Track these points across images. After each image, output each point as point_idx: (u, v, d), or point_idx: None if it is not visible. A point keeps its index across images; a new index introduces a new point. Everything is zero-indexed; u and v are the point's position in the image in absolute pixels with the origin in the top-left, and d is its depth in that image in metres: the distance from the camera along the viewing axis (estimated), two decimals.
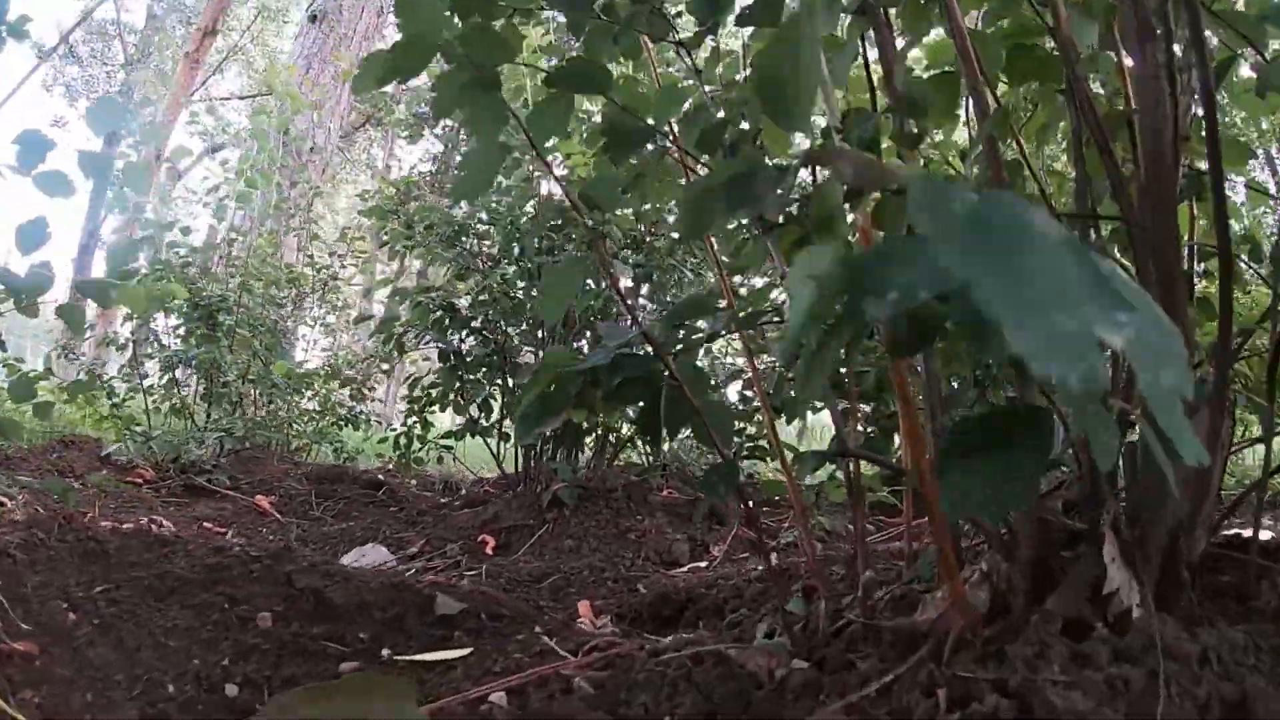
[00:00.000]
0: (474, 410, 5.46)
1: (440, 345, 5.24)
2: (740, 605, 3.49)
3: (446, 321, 5.21)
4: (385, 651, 2.46)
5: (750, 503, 2.15)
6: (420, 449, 6.43)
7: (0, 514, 3.15)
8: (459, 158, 5.72)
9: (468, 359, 5.28)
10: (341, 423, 8.17)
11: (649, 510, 5.18)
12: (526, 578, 4.03)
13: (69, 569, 2.68)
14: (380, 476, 6.86)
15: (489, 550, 4.77)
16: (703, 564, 4.55)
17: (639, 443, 5.80)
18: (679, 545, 4.72)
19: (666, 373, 1.81)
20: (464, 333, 5.30)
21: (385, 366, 6.27)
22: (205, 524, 5.08)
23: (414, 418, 6.22)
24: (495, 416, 5.62)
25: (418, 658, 2.27)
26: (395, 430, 6.34)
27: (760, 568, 4.39)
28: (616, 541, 4.73)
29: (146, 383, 7.14)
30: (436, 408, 6.07)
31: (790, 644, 1.97)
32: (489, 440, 5.67)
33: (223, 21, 25.23)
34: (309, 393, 8.17)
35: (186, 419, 6.99)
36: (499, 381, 5.37)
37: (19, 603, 2.34)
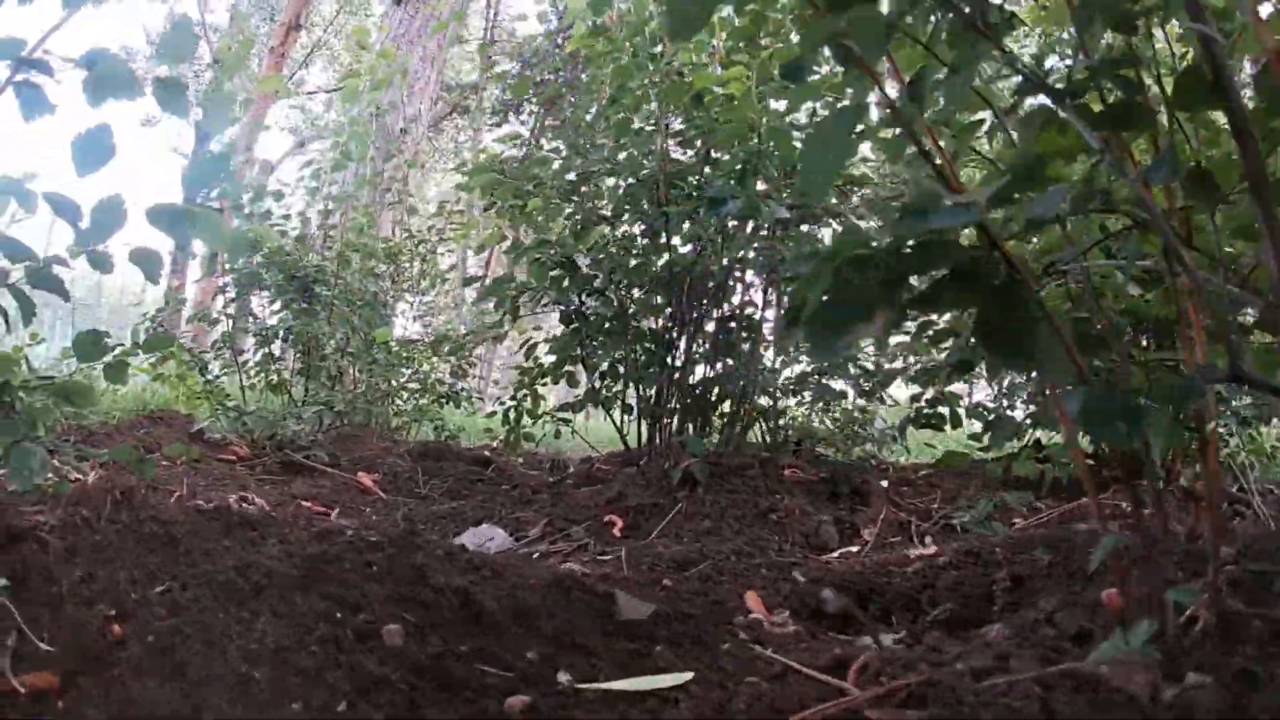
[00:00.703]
0: (595, 380, 4.83)
1: (561, 305, 4.62)
2: (938, 597, 2.89)
3: (566, 280, 4.60)
4: (564, 678, 1.70)
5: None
6: (530, 424, 5.83)
7: (51, 491, 2.43)
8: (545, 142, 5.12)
9: (590, 319, 4.67)
10: (442, 400, 7.62)
11: (785, 489, 4.59)
12: (669, 564, 3.46)
13: (122, 561, 1.96)
14: (486, 454, 6.28)
15: (617, 531, 4.19)
16: (854, 548, 4.03)
17: (763, 419, 5.16)
18: (826, 527, 4.19)
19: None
20: (584, 293, 4.69)
21: (494, 334, 5.68)
22: (303, 502, 4.55)
23: (524, 391, 5.63)
24: (619, 385, 5.00)
25: (614, 687, 1.58)
26: (503, 405, 5.74)
27: (923, 552, 3.82)
28: (757, 523, 4.18)
29: (242, 359, 6.62)
30: (548, 380, 5.49)
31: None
32: (612, 412, 5.04)
33: (306, 16, 25.00)
34: (409, 370, 7.64)
35: (283, 395, 6.45)
36: (622, 347, 4.74)
37: (44, 609, 1.65)
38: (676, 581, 3.17)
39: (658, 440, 4.92)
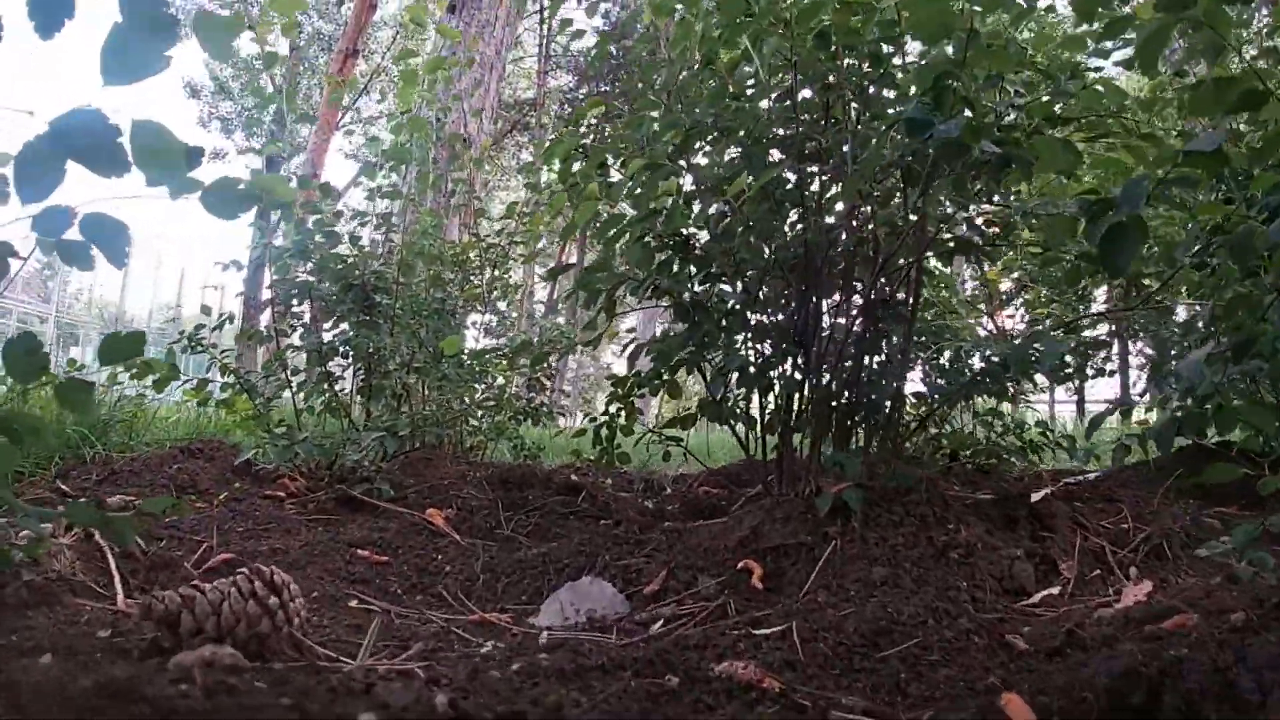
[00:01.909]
0: (718, 386, 3.74)
1: (674, 295, 3.53)
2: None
3: (675, 264, 3.52)
4: None
5: None
6: (618, 445, 4.78)
7: None
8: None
9: (711, 310, 3.58)
10: (519, 416, 6.58)
11: (955, 515, 3.52)
12: (855, 641, 2.47)
13: None
14: (574, 478, 5.24)
15: (757, 582, 3.16)
16: (1054, 589, 3.14)
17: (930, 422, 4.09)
18: (1020, 565, 3.23)
19: None
20: (704, 278, 3.61)
21: (588, 339, 4.58)
22: (360, 550, 3.54)
23: (617, 404, 4.57)
24: (740, 391, 3.93)
25: None
26: (593, 420, 4.69)
27: (1137, 593, 2.93)
28: (937, 565, 3.16)
29: (298, 379, 5.61)
30: (645, 391, 4.45)
31: None
32: (734, 425, 3.96)
33: (363, 43, 24.33)
34: (482, 385, 6.62)
35: (342, 418, 5.43)
36: (750, 344, 3.66)
37: None
38: (875, 669, 2.15)
39: (790, 456, 3.85)
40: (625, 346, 4.14)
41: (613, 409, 4.57)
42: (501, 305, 7.46)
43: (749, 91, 3.67)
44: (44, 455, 4.67)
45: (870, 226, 3.71)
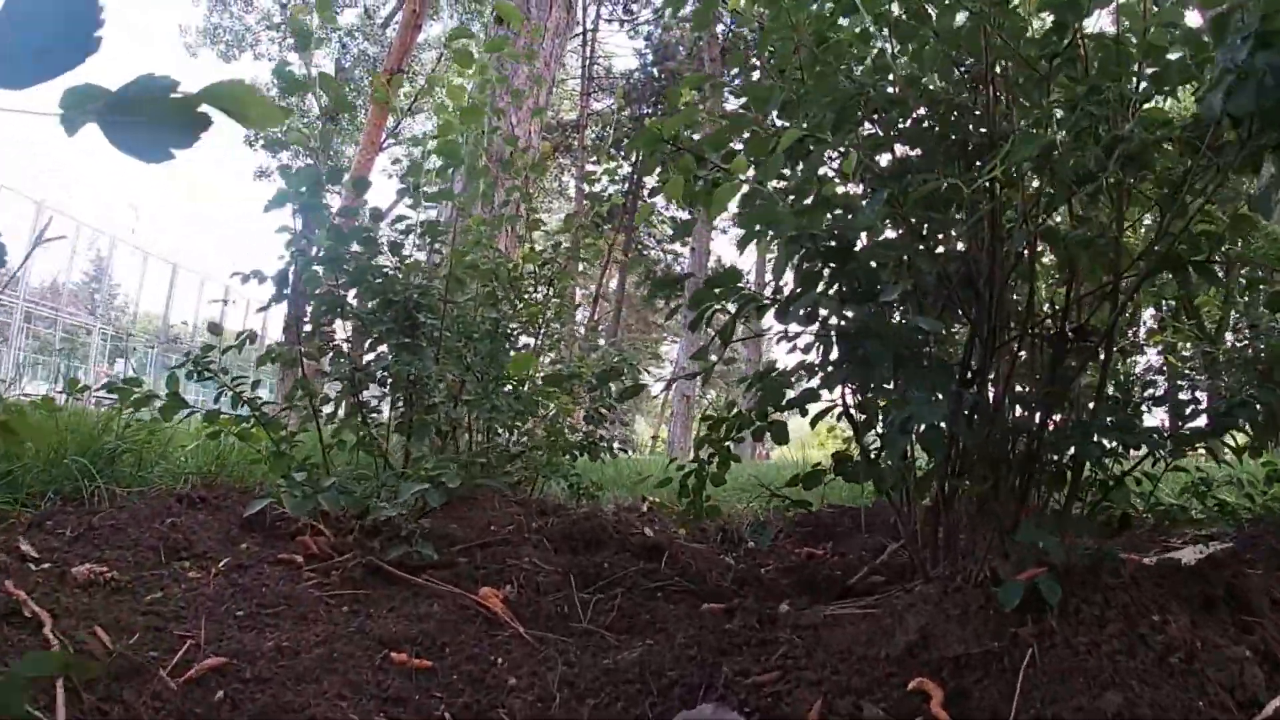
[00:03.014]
0: (891, 433, 2.73)
1: (828, 318, 2.51)
2: None
3: (827, 275, 2.51)
4: None
5: None
6: (708, 497, 3.81)
7: None
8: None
9: (888, 339, 2.57)
10: (576, 451, 5.63)
11: (1153, 598, 2.65)
12: None
13: None
14: (648, 533, 4.28)
15: (938, 710, 2.19)
16: None
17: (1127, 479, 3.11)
18: (1250, 669, 2.40)
19: None
20: (866, 297, 2.60)
21: (700, 371, 3.53)
22: (393, 652, 2.60)
23: (709, 449, 3.61)
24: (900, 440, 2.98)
25: None
26: (682, 469, 3.73)
27: None
28: (1162, 676, 2.32)
29: (328, 410, 4.66)
30: (744, 434, 3.50)
31: None
32: (885, 488, 2.98)
33: (408, 64, 23.70)
34: (538, 415, 5.69)
35: (378, 458, 4.48)
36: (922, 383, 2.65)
37: None
38: None
39: (949, 526, 2.89)
40: (758, 376, 3.13)
41: (704, 454, 3.59)
42: (556, 326, 6.51)
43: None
44: (38, 486, 3.77)
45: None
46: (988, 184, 2.72)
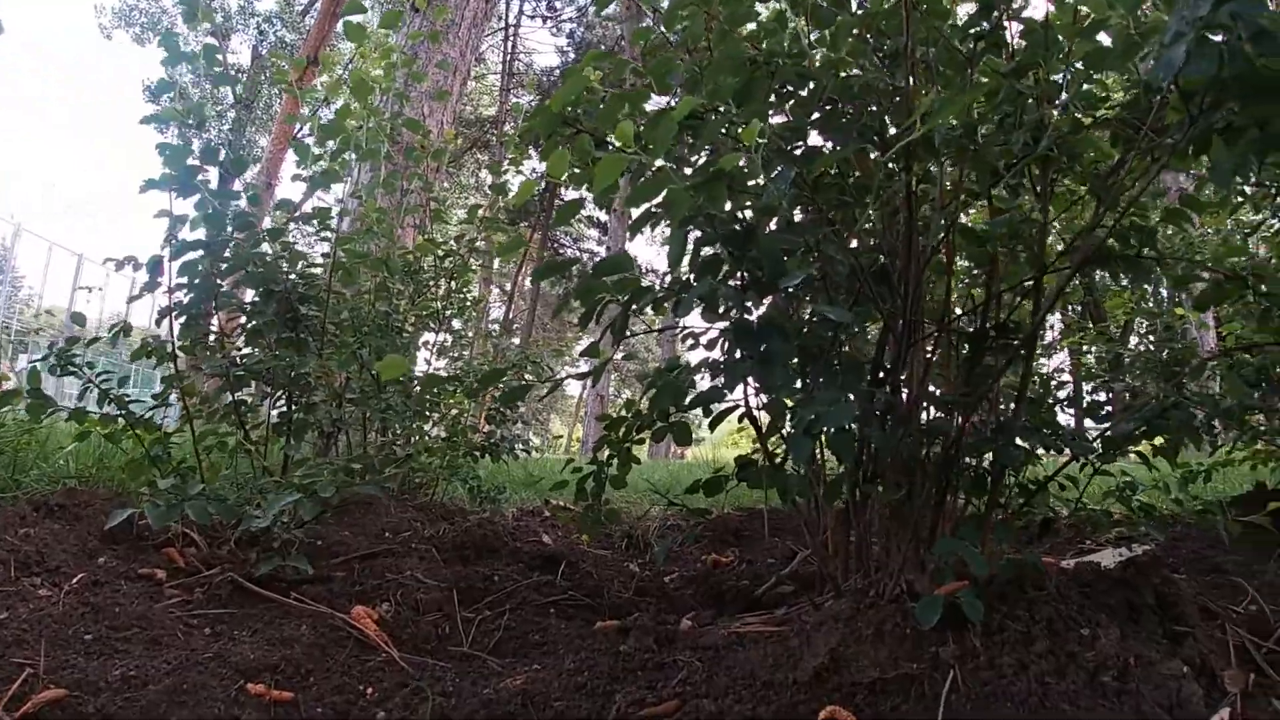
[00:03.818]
0: (799, 437, 2.47)
1: (731, 311, 2.23)
2: None
3: (728, 261, 2.23)
4: None
5: None
6: (608, 501, 3.54)
7: None
8: None
9: (794, 333, 2.32)
10: (477, 453, 5.35)
11: (1079, 610, 2.47)
12: None
13: None
14: (546, 539, 4.03)
15: None
16: (1223, 712, 2.20)
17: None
18: (1188, 687, 2.24)
19: None
20: (775, 287, 2.33)
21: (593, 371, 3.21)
22: (251, 683, 2.31)
23: (609, 449, 3.33)
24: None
25: None
26: (577, 471, 3.47)
27: None
28: (1091, 695, 2.14)
29: (210, 410, 4.33)
30: (645, 436, 3.25)
31: None
32: (790, 493, 2.73)
33: (324, 53, 23.19)
34: (434, 416, 5.41)
35: (256, 461, 4.16)
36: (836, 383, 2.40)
37: None
38: None
39: (860, 533, 2.68)
40: (592, 369, 2.87)
41: (603, 455, 3.32)
42: (457, 324, 6.22)
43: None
44: None
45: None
46: (903, 168, 2.51)
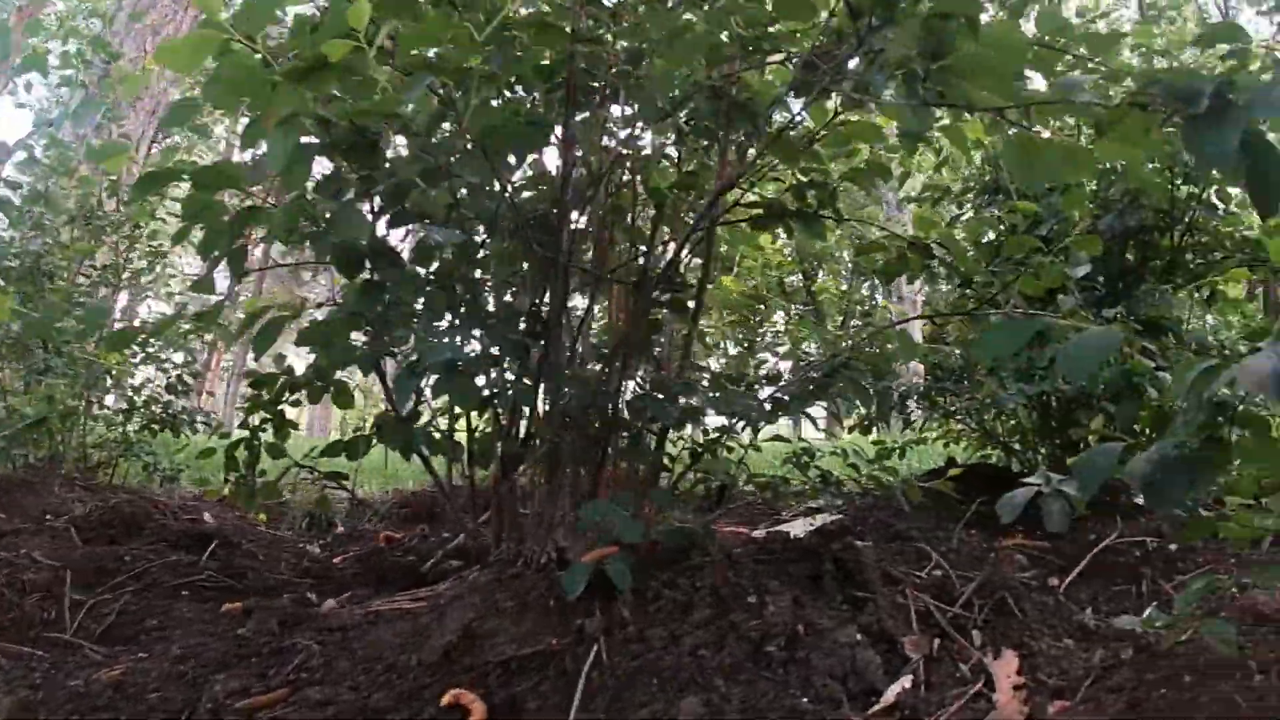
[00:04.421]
0: (404, 389, 2.21)
1: (339, 241, 1.94)
2: None
3: (356, 181, 1.96)
4: None
5: None
6: (263, 472, 3.17)
7: None
8: None
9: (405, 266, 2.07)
10: (154, 427, 4.93)
11: (754, 582, 2.39)
12: None
13: None
14: (208, 517, 3.69)
15: None
16: (905, 680, 2.15)
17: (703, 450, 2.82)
18: (862, 654, 2.19)
19: None
20: (402, 214, 2.08)
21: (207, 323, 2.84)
22: None
23: (260, 414, 2.99)
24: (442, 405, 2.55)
25: None
26: (225, 437, 3.15)
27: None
28: (754, 667, 2.06)
29: None
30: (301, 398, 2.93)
31: None
32: (428, 456, 2.51)
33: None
34: (109, 380, 4.96)
35: None
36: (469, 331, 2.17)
37: None
38: None
39: (512, 503, 2.49)
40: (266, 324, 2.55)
41: (255, 421, 3.00)
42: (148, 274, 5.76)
43: None
44: None
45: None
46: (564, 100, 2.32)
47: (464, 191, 2.17)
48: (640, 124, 2.36)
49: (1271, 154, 1.20)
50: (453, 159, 2.12)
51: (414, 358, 1.87)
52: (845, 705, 2.00)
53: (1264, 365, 1.23)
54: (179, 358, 5.23)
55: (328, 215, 1.89)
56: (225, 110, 2.01)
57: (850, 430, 4.58)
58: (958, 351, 4.25)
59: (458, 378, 1.94)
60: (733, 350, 6.70)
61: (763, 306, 6.45)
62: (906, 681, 2.17)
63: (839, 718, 1.93)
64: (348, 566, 3.34)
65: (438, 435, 2.48)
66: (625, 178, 2.66)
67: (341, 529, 4.25)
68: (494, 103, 2.25)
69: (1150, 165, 3.83)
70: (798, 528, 3.29)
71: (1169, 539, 3.31)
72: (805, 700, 1.96)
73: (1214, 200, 4.06)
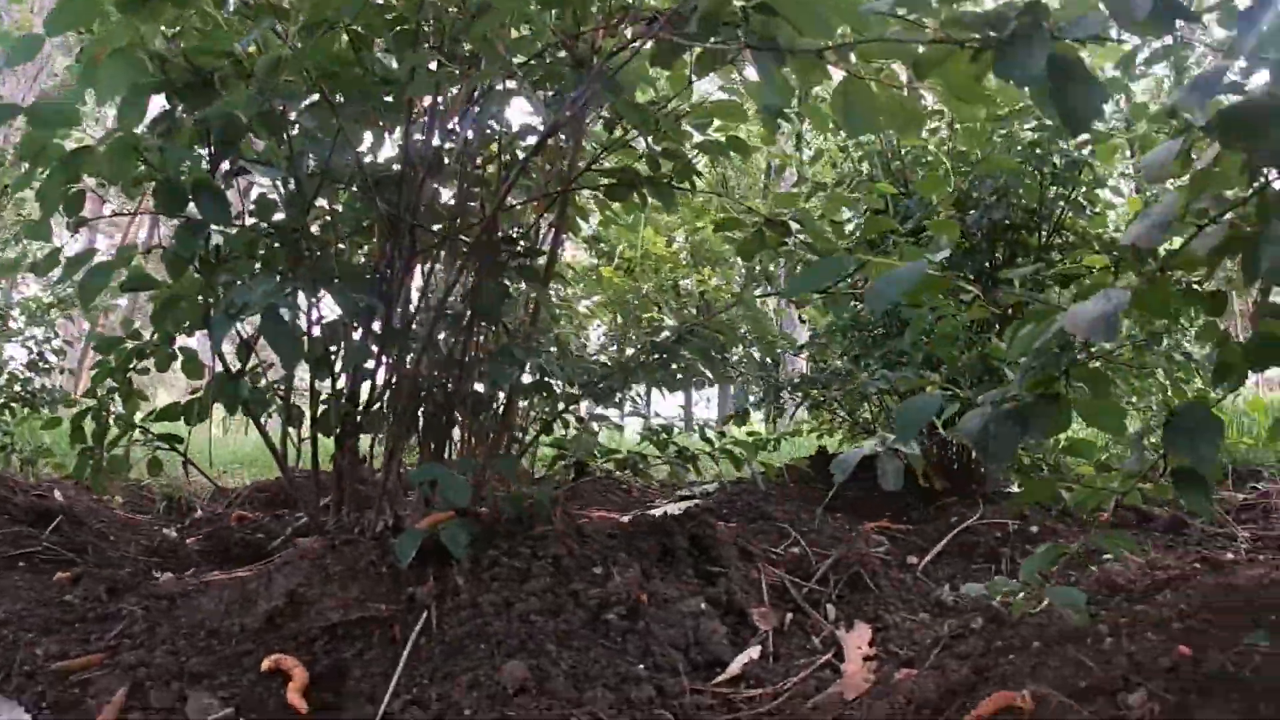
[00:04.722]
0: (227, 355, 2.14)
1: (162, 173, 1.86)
2: None
3: (191, 122, 1.86)
4: None
5: None
6: (121, 441, 3.02)
7: None
8: None
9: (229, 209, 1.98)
10: (13, 406, 4.76)
11: (602, 553, 2.39)
12: None
13: None
14: (58, 494, 3.56)
15: (297, 700, 1.71)
16: (753, 650, 2.21)
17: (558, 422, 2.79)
18: (707, 624, 2.25)
19: None
20: (229, 152, 2.00)
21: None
22: None
23: (110, 385, 2.86)
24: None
25: None
26: (72, 403, 3.03)
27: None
28: (592, 636, 2.07)
29: None
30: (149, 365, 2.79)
31: None
32: (263, 420, 2.44)
33: None
34: None
35: None
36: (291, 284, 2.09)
37: None
38: None
39: (356, 473, 2.43)
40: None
41: (101, 391, 2.87)
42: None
43: None
44: None
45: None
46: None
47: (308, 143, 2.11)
48: (489, 81, 2.31)
49: (1078, 71, 1.21)
50: (298, 110, 2.07)
51: (231, 305, 1.79)
52: (684, 673, 1.99)
53: (1092, 310, 1.25)
54: (40, 333, 5.05)
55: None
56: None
57: (726, 422, 4.60)
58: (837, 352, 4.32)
59: (279, 325, 1.88)
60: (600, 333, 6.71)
61: (644, 292, 6.45)
62: (754, 652, 2.19)
63: (674, 685, 1.92)
64: (196, 545, 3.24)
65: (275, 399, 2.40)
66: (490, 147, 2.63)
67: (201, 514, 4.13)
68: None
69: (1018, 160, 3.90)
70: (671, 510, 3.29)
71: (1030, 521, 3.40)
72: (640, 668, 1.95)
73: (1081, 200, 4.15)
